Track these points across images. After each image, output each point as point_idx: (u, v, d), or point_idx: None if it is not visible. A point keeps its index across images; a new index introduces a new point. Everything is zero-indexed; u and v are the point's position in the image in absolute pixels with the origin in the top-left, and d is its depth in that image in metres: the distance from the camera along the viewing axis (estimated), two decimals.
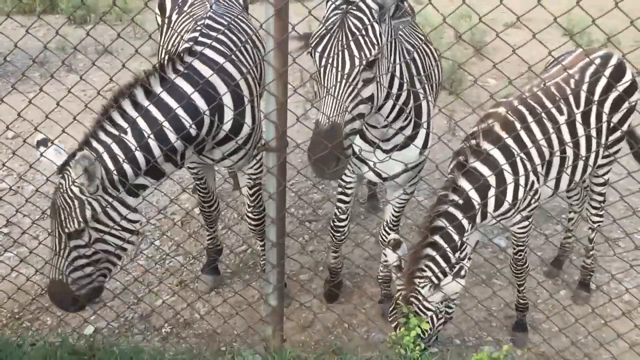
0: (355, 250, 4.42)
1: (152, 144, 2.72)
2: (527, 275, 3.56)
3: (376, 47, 2.36)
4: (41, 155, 2.73)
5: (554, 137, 3.10)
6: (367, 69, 2.38)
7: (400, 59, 2.71)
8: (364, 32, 2.35)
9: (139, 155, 2.70)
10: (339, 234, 3.76)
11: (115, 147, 2.67)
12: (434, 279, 2.79)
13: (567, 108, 3.17)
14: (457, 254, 2.89)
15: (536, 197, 3.13)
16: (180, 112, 2.76)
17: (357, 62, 2.34)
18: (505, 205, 2.98)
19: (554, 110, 3.15)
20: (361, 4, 2.39)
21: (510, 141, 2.94)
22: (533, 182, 3.05)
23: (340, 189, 3.60)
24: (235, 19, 3.47)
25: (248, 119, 3.13)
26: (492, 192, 2.90)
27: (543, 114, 3.04)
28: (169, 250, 4.50)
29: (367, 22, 2.37)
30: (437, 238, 2.84)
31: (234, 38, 3.27)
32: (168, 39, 3.79)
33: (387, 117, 2.78)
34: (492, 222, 3.11)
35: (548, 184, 3.18)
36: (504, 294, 3.80)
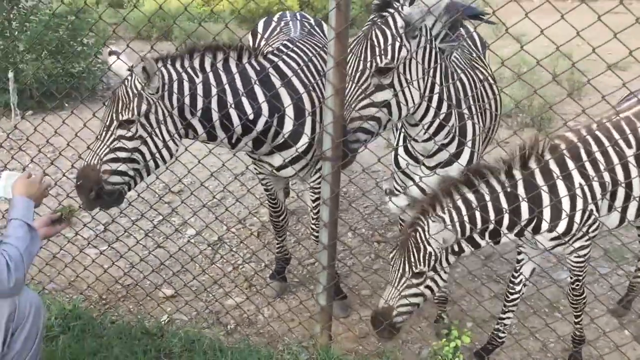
0: None
1: (213, 103, 3.07)
2: (584, 307, 3.55)
3: (388, 57, 2.60)
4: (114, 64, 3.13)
5: (618, 168, 3.12)
6: (378, 75, 2.62)
7: (442, 79, 2.88)
8: (382, 41, 2.61)
9: (199, 98, 3.04)
10: None
11: (184, 76, 3.03)
12: (447, 219, 2.84)
13: (635, 142, 3.19)
14: (483, 226, 2.92)
15: (594, 226, 3.15)
16: (240, 86, 3.14)
17: (367, 65, 2.60)
18: (560, 225, 3.00)
19: (621, 142, 3.18)
20: (388, 19, 2.67)
21: (569, 161, 3.00)
22: (591, 210, 3.07)
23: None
24: (309, 41, 3.81)
25: (307, 129, 3.37)
26: (546, 201, 2.94)
27: (607, 143, 3.08)
28: (244, 257, 4.85)
29: (388, 33, 2.63)
30: (468, 193, 2.90)
31: (304, 57, 3.59)
32: None
33: (427, 130, 2.95)
34: (547, 245, 3.14)
35: (611, 216, 3.18)
36: (564, 328, 3.79)
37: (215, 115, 3.09)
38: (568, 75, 9.41)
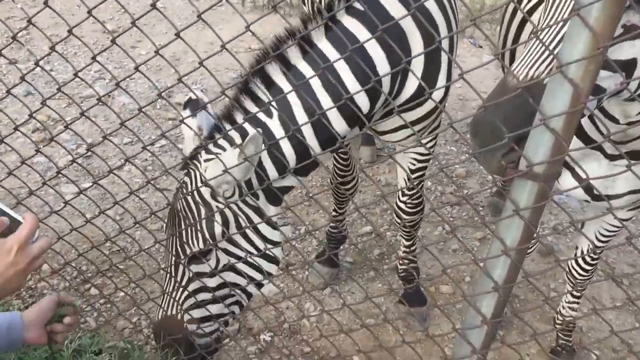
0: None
1: (307, 132, 1.92)
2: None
3: None
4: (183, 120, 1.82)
5: None
6: None
7: None
8: None
9: (285, 145, 1.90)
10: None
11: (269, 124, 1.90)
12: None
13: None
14: None
15: None
16: (347, 76, 1.91)
17: None
18: None
19: None
20: None
21: None
22: None
23: None
24: None
25: (442, 76, 2.23)
26: None
27: None
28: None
29: None
30: None
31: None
32: None
33: None
34: None
35: None
36: None
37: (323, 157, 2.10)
38: None
